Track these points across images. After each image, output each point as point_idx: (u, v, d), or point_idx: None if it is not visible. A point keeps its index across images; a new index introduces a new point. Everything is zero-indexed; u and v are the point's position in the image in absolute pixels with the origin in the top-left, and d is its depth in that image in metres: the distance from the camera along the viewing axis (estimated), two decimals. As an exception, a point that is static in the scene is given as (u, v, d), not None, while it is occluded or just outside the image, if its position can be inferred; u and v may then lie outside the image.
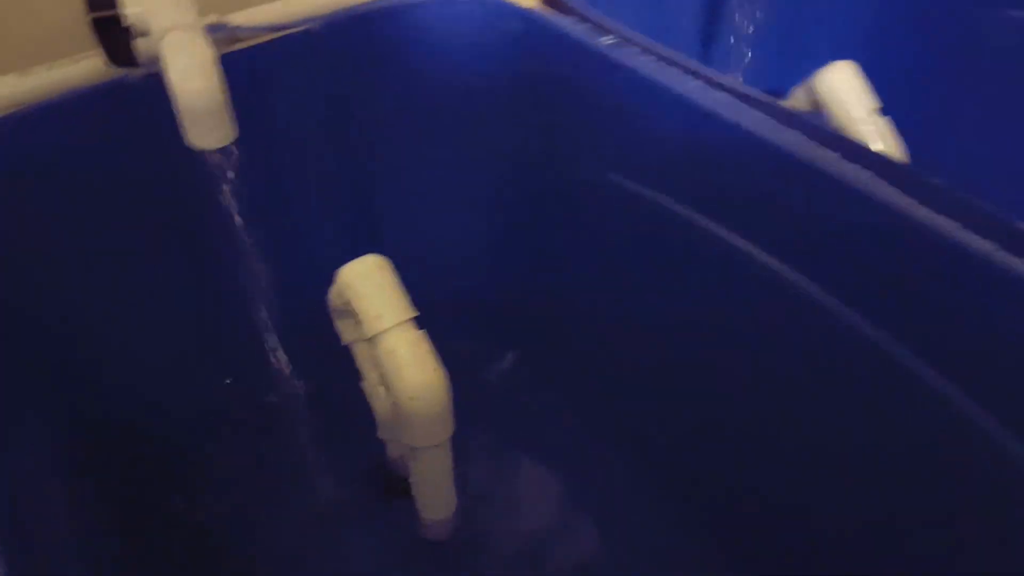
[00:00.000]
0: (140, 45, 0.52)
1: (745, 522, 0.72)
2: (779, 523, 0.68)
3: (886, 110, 0.76)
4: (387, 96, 0.74)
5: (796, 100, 0.80)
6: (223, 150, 0.49)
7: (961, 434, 0.46)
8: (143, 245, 0.67)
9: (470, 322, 0.90)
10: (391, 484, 0.79)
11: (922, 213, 0.46)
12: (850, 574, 0.59)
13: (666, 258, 0.67)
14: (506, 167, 0.80)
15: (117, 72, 0.55)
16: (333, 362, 0.72)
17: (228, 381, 0.81)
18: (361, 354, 0.71)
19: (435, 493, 0.69)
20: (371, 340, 0.60)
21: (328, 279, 0.68)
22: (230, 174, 0.52)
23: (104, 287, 0.67)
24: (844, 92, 0.76)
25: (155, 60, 0.50)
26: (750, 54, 0.89)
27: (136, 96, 0.58)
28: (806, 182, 0.52)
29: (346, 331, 0.71)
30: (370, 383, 0.72)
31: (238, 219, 0.57)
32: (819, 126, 0.53)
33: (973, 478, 0.46)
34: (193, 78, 0.46)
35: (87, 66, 0.57)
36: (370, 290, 0.60)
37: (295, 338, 0.72)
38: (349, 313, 0.69)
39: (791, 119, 0.53)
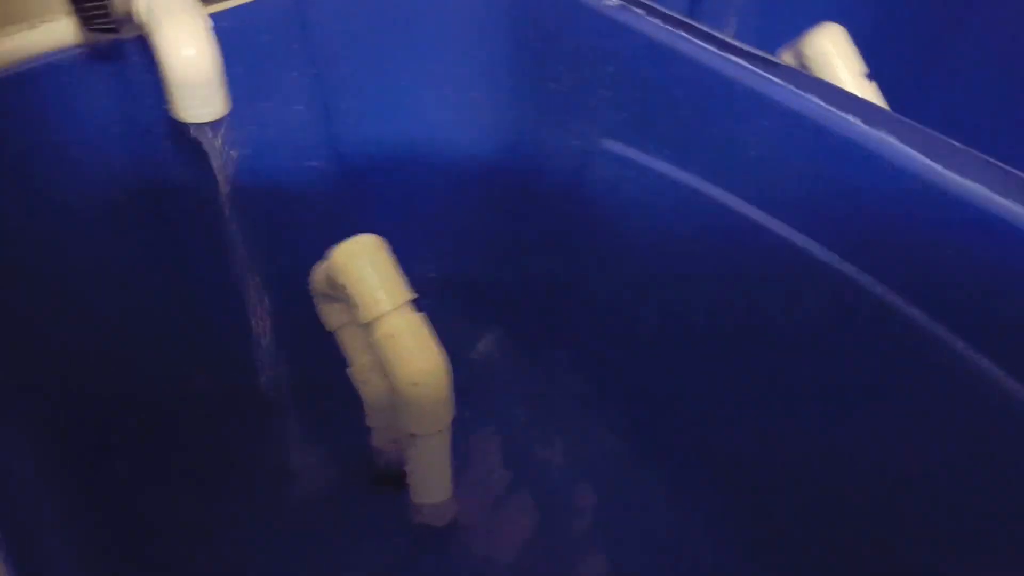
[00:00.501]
0: (119, 7, 0.47)
1: (742, 496, 0.71)
2: (788, 503, 0.68)
3: (872, 74, 0.75)
4: (374, 60, 0.70)
5: (784, 63, 0.79)
6: (215, 123, 0.45)
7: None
8: (117, 229, 0.62)
9: (453, 300, 0.87)
10: (380, 472, 0.76)
11: (948, 178, 0.45)
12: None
13: (666, 228, 0.65)
14: (494, 136, 0.77)
15: (90, 38, 0.50)
16: (315, 350, 0.69)
17: (201, 375, 0.76)
18: (348, 340, 0.68)
19: (432, 478, 0.67)
20: (368, 324, 0.57)
21: (308, 262, 0.64)
22: (221, 149, 0.48)
23: (76, 272, 0.62)
24: (832, 55, 0.75)
25: (137, 24, 0.45)
26: (735, 17, 0.87)
27: (111, 64, 0.53)
28: (825, 148, 0.50)
29: (332, 316, 0.68)
30: (358, 369, 0.69)
31: (224, 198, 0.52)
32: (839, 90, 0.51)
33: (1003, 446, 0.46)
34: (186, 45, 0.41)
35: (54, 31, 0.51)
36: (367, 271, 0.56)
37: (276, 325, 0.68)
38: (336, 297, 0.66)
39: (810, 83, 0.51)
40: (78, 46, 0.51)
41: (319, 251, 0.64)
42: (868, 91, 0.75)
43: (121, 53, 0.52)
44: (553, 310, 0.84)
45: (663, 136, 0.61)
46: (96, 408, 0.69)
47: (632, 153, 0.65)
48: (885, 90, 0.74)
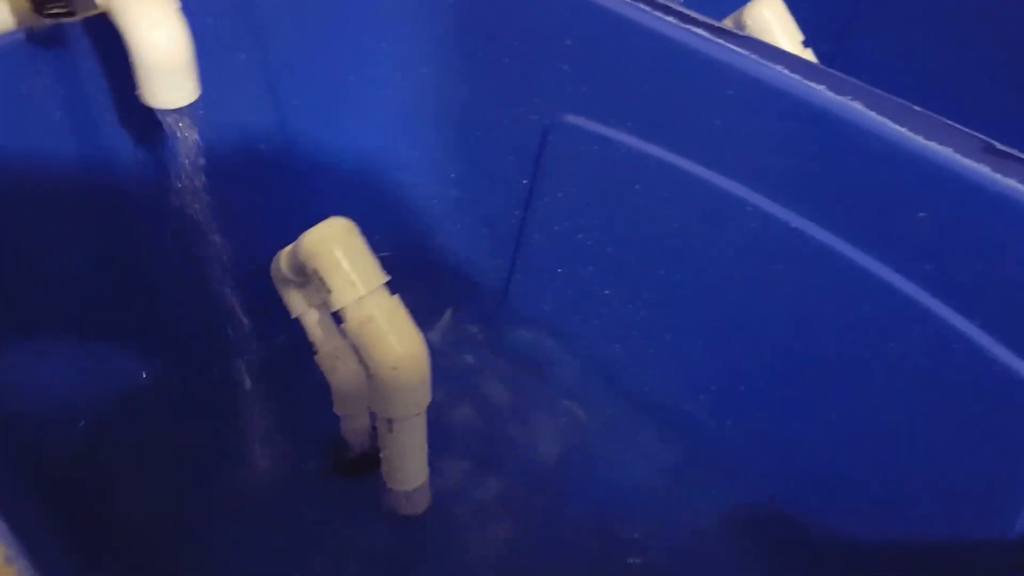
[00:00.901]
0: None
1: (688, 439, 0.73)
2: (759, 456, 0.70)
3: (807, 43, 0.78)
4: (320, 39, 0.68)
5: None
6: (186, 109, 0.43)
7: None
8: (67, 224, 0.58)
9: (409, 280, 0.86)
10: (349, 461, 0.75)
11: (915, 141, 0.48)
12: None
13: (632, 200, 0.66)
14: (446, 114, 0.76)
15: (39, 22, 0.46)
16: (280, 337, 0.67)
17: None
18: (314, 325, 0.67)
19: (409, 464, 0.66)
20: (344, 309, 0.56)
21: (265, 246, 0.62)
22: (189, 135, 0.46)
23: (25, 269, 0.58)
24: (772, 24, 0.78)
25: (99, 5, 0.42)
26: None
27: (55, 50, 0.49)
28: (791, 116, 0.52)
29: (296, 302, 0.66)
30: (326, 355, 0.67)
31: (190, 186, 0.50)
32: (802, 60, 0.52)
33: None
34: (158, 27, 0.39)
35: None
36: (341, 255, 0.55)
37: (238, 314, 0.66)
38: (300, 283, 0.64)
39: (774, 53, 0.53)
40: (19, 31, 0.47)
41: (275, 235, 0.63)
42: (808, 58, 0.78)
43: (66, 38, 0.49)
44: (514, 288, 0.84)
45: (626, 109, 0.62)
46: (51, 408, 0.65)
47: (594, 127, 0.65)
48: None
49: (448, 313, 0.90)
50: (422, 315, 0.87)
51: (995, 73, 0.88)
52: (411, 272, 0.86)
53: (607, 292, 0.75)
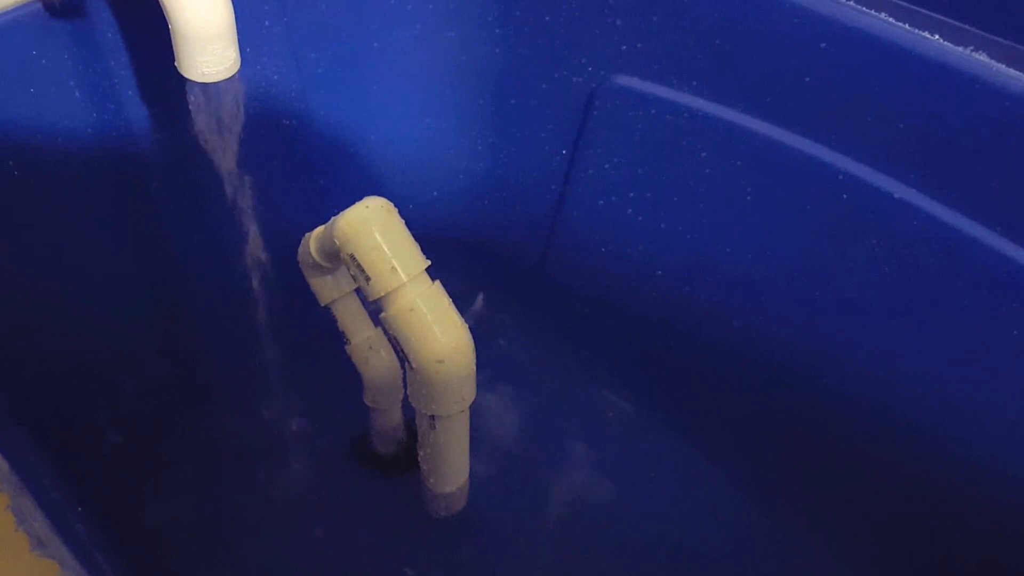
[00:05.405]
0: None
1: (737, 432, 0.69)
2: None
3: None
4: (342, 6, 0.61)
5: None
6: (227, 82, 0.36)
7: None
8: (85, 207, 0.52)
9: (441, 260, 0.80)
10: (379, 458, 0.70)
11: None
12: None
13: (697, 169, 0.59)
14: (478, 81, 0.70)
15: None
16: (307, 327, 0.62)
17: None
18: (346, 314, 0.61)
19: (451, 464, 0.61)
20: (384, 298, 0.50)
21: (290, 229, 0.56)
22: (229, 110, 0.39)
23: (41, 256, 0.54)
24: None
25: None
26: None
27: (72, 21, 0.43)
28: (900, 70, 0.45)
29: (325, 290, 0.60)
30: (358, 346, 0.62)
31: (220, 168, 0.44)
32: (908, 8, 0.46)
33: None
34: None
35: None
36: (381, 239, 0.49)
37: (265, 303, 0.60)
38: (329, 268, 0.58)
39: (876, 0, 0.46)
40: (33, 1, 0.42)
41: (297, 215, 0.57)
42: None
43: (83, 7, 0.44)
44: (549, 269, 0.78)
45: (691, 66, 0.55)
46: (74, 404, 0.61)
47: (650, 88, 0.59)
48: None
49: (479, 298, 0.84)
50: (457, 297, 0.82)
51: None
52: (435, 253, 0.80)
53: (659, 273, 0.69)
